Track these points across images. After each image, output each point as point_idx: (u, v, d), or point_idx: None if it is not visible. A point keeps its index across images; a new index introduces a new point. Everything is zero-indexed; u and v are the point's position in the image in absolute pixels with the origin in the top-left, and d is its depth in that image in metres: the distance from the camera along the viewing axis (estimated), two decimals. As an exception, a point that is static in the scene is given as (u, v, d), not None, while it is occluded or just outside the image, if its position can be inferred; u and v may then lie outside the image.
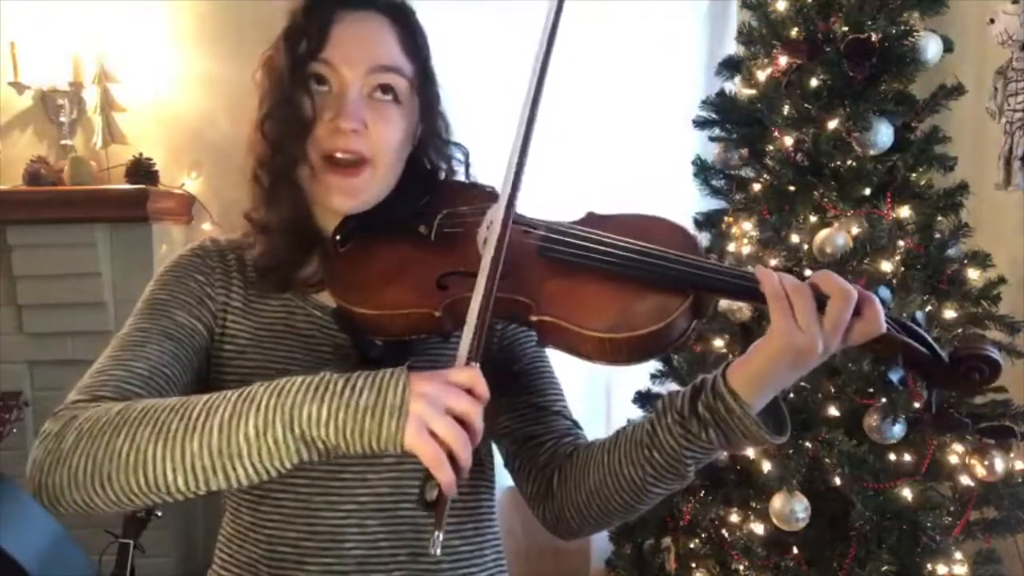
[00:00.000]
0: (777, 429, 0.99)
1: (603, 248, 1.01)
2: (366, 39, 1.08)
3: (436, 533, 0.81)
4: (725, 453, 2.28)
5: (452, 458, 0.83)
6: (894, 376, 0.97)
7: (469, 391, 0.86)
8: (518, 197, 0.99)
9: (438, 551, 0.81)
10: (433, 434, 0.83)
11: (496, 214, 0.97)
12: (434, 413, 0.83)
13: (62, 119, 2.98)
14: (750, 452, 2.25)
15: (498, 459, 1.20)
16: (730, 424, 0.96)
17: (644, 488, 1.02)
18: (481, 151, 1.22)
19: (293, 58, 1.06)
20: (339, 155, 1.06)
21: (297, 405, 0.85)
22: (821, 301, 0.92)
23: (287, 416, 0.84)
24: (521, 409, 1.15)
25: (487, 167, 1.21)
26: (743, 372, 0.96)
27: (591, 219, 1.09)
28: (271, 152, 1.07)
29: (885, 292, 0.96)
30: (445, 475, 0.82)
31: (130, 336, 1.05)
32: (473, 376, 0.86)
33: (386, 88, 1.08)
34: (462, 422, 0.84)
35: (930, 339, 0.96)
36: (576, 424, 1.17)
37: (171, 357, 1.03)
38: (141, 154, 2.98)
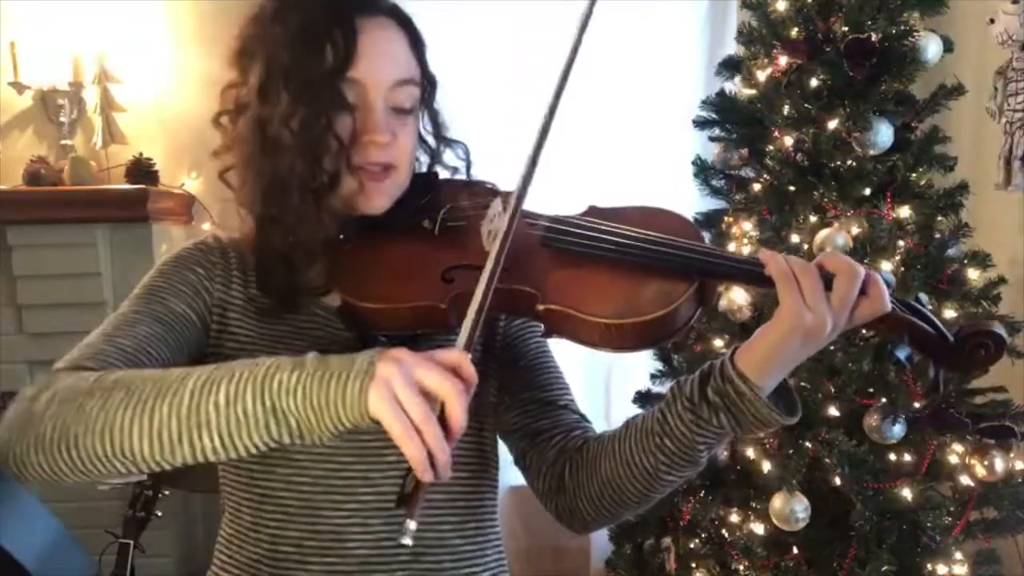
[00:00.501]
0: (788, 410, 0.98)
1: (607, 236, 1.02)
2: (389, 52, 1.07)
3: (407, 521, 0.77)
4: (726, 453, 2.31)
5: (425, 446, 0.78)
6: (900, 354, 0.97)
7: (454, 372, 0.81)
8: (527, 195, 0.99)
9: (409, 541, 0.77)
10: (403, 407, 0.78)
11: (497, 207, 0.98)
12: (402, 381, 0.79)
13: (62, 119, 2.98)
14: (750, 452, 2.26)
15: (503, 459, 1.20)
16: (741, 407, 0.96)
17: (657, 476, 1.02)
18: (476, 148, 1.23)
19: (320, 72, 1.02)
20: (368, 166, 1.06)
21: (270, 375, 0.83)
22: (827, 280, 0.92)
23: (258, 385, 0.82)
24: (528, 404, 1.15)
25: (484, 165, 1.22)
26: (751, 355, 0.96)
27: (593, 211, 1.10)
28: (307, 170, 1.03)
29: (888, 275, 0.97)
30: (414, 448, 0.77)
31: (122, 316, 1.05)
32: (460, 358, 0.82)
33: (406, 100, 1.08)
34: (438, 405, 0.80)
35: (934, 318, 0.97)
36: (584, 417, 1.17)
37: (159, 340, 1.03)
38: (141, 154, 2.97)
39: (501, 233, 0.94)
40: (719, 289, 1.05)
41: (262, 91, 1.05)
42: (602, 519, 1.10)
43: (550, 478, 1.12)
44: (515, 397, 1.15)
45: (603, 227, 1.03)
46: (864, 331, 0.99)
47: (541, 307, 1.00)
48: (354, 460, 1.05)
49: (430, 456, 0.78)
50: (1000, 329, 0.96)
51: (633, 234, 1.01)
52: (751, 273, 0.97)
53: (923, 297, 0.98)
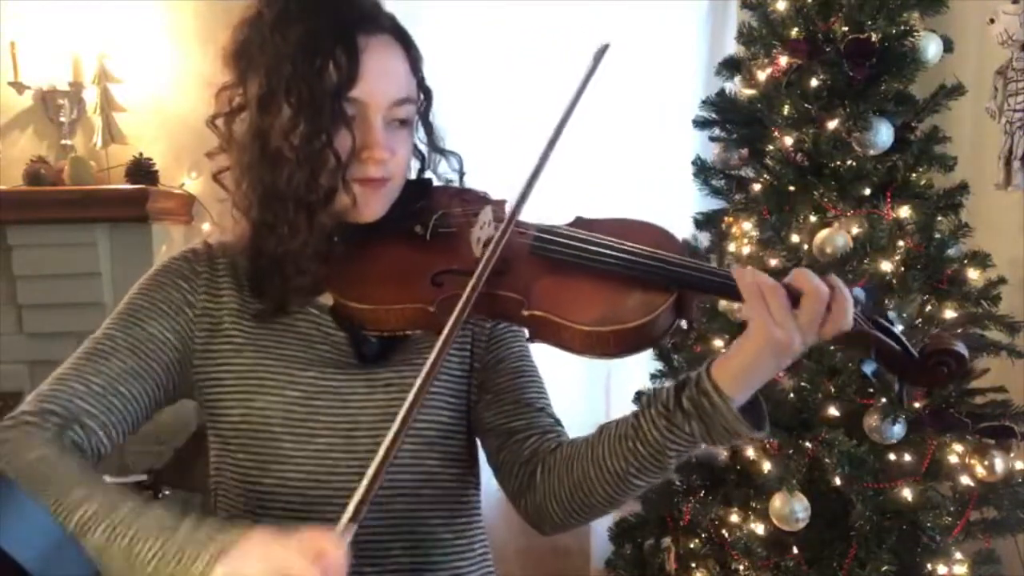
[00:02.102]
0: (757, 424, 1.02)
1: (592, 247, 1.06)
2: (390, 71, 1.08)
3: None
4: (726, 453, 2.31)
5: None
6: (867, 369, 1.03)
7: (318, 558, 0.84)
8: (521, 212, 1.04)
9: None
10: None
11: (488, 215, 1.02)
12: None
13: (62, 119, 2.98)
14: (750, 452, 2.25)
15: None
16: (712, 418, 0.99)
17: (626, 480, 1.05)
18: (470, 153, 1.25)
19: (323, 89, 1.03)
20: (365, 180, 1.08)
21: (136, 540, 0.87)
22: (796, 298, 0.97)
23: (123, 550, 0.87)
24: (506, 404, 1.17)
25: (478, 168, 1.24)
26: (726, 368, 0.99)
27: (580, 222, 1.14)
28: (304, 184, 1.04)
29: (859, 291, 1.03)
30: None
31: (99, 343, 1.09)
32: (326, 544, 0.85)
33: (404, 116, 1.10)
34: None
35: (900, 335, 1.01)
36: (558, 422, 1.20)
37: (131, 375, 1.07)
38: (141, 154, 2.98)
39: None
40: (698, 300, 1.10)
41: (262, 102, 1.05)
42: (569, 521, 1.12)
43: (521, 477, 1.14)
44: (494, 397, 1.18)
45: (589, 238, 1.07)
46: (834, 344, 1.03)
47: (526, 313, 1.04)
48: (345, 456, 1.07)
49: None
50: (962, 348, 0.99)
51: (617, 246, 1.05)
52: (725, 287, 1.01)
53: (891, 314, 1.02)
